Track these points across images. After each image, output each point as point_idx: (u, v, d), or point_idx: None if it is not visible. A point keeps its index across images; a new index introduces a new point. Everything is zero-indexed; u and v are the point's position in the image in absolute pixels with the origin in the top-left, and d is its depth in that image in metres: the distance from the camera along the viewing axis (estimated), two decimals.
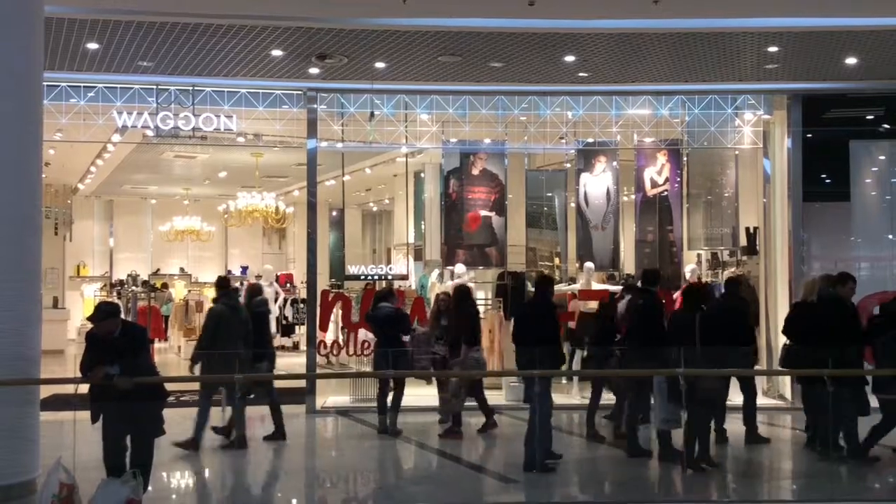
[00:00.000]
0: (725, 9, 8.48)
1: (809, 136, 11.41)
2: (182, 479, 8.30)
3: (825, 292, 8.42)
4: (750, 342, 8.73)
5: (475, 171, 12.07)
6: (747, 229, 12.16)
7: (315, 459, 9.47)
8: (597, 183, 12.23)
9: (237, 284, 14.40)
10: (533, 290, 9.37)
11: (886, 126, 11.76)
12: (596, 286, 11.94)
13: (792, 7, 8.43)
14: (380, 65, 10.11)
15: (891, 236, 11.65)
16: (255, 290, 9.97)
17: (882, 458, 8.02)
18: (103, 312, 6.46)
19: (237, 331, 8.77)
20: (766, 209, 11.94)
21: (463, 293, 9.76)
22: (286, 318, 16.50)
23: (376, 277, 12.82)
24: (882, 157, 11.93)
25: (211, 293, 17.48)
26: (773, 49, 9.57)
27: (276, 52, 9.66)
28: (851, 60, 10.01)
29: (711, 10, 8.49)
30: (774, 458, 8.99)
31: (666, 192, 12.16)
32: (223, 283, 9.49)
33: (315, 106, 11.19)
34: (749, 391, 9.10)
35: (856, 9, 8.52)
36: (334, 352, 11.08)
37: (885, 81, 10.91)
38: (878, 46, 9.46)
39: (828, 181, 11.88)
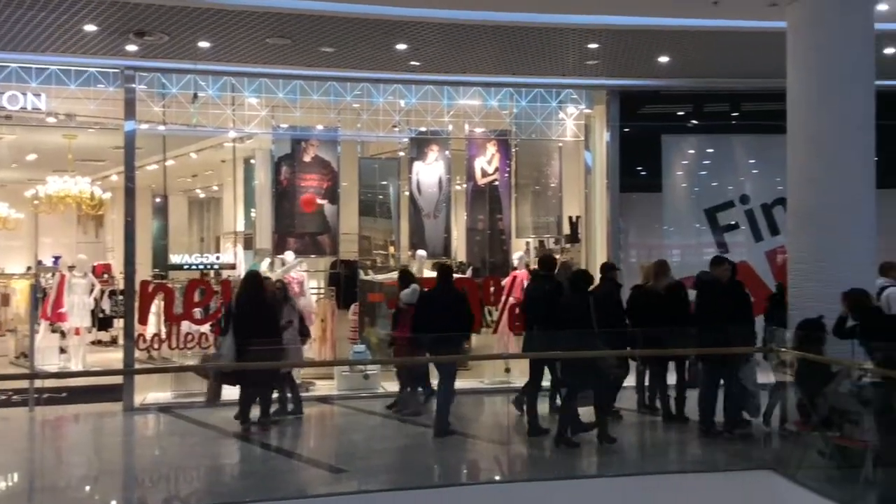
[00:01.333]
0: (549, 4, 8.75)
1: (626, 130, 12.05)
2: None
3: (705, 276, 8.95)
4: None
5: (307, 158, 11.87)
6: (570, 218, 12.70)
7: (133, 459, 8.99)
8: (429, 171, 12.37)
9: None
10: (436, 278, 9.52)
11: (695, 122, 12.62)
12: (428, 273, 12.05)
13: (610, 6, 8.82)
14: (204, 44, 9.68)
15: (698, 225, 12.51)
16: None
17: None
18: None
19: None
20: (587, 199, 12.52)
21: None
22: (103, 310, 15.52)
23: (202, 267, 12.33)
24: (691, 151, 12.78)
25: (19, 284, 16.27)
26: (592, 46, 10.01)
27: (90, 27, 9.02)
28: (664, 59, 10.65)
29: (536, 4, 8.75)
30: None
31: (496, 182, 12.48)
32: None
33: (133, 85, 10.57)
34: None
35: (668, 10, 9.04)
36: (155, 346, 10.55)
37: (694, 79, 11.69)
38: (687, 46, 10.11)
39: (643, 173, 12.59)
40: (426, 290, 9.75)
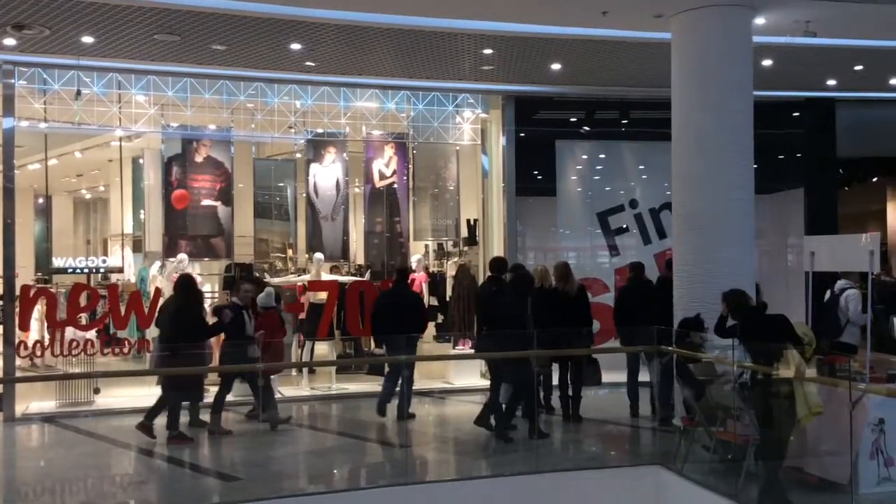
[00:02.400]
0: (444, 9, 8.79)
1: (522, 135, 12.25)
2: None
3: (667, 276, 9.21)
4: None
5: (199, 159, 11.59)
6: (468, 221, 12.83)
7: (15, 471, 8.55)
8: (326, 174, 12.27)
9: None
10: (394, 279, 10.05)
11: (587, 128, 12.95)
12: (326, 277, 11.95)
13: (504, 13, 8.94)
14: (87, 39, 9.28)
15: (591, 228, 12.85)
16: None
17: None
18: None
19: None
20: (484, 202, 12.68)
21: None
22: None
23: (87, 270, 11.84)
24: (584, 157, 13.10)
25: None
26: (488, 52, 10.14)
27: None
28: (556, 66, 10.89)
29: (431, 8, 8.77)
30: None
31: (394, 185, 12.49)
32: None
33: (12, 81, 10.05)
34: None
35: (559, 19, 9.23)
36: (37, 353, 10.06)
37: (586, 87, 11.99)
38: (578, 54, 10.36)
39: (538, 177, 12.84)
40: (384, 290, 10.15)
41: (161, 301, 9.78)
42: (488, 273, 9.72)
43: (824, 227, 12.12)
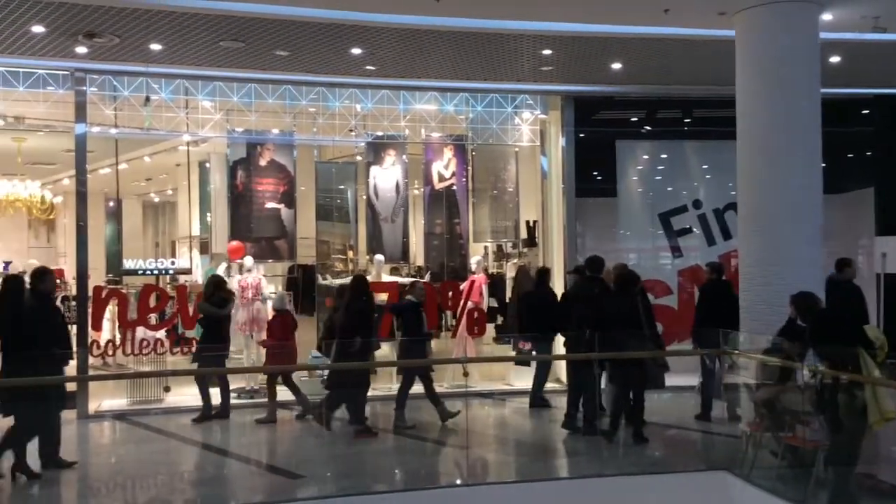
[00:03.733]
0: (502, 11, 8.77)
1: (581, 135, 12.14)
2: None
3: (836, 277, 9.11)
4: None
5: (263, 162, 11.80)
6: (527, 222, 12.79)
7: (89, 467, 8.82)
8: (386, 176, 12.36)
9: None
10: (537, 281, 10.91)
11: (648, 128, 12.78)
12: (386, 278, 12.05)
13: (564, 13, 8.88)
14: (155, 47, 9.54)
15: (652, 229, 12.68)
16: None
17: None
18: None
19: None
20: (543, 204, 12.61)
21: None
22: None
23: (156, 272, 12.17)
24: (645, 157, 12.95)
25: None
26: (547, 52, 10.09)
27: (38, 29, 8.84)
28: (617, 66, 10.78)
29: (489, 10, 8.75)
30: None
31: (453, 186, 12.52)
32: None
33: (84, 88, 10.39)
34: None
35: (620, 18, 9.14)
36: (109, 352, 10.38)
37: (647, 86, 11.83)
38: (639, 53, 10.24)
39: (598, 178, 12.72)
40: (528, 291, 10.79)
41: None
42: (586, 273, 9.54)
43: None
